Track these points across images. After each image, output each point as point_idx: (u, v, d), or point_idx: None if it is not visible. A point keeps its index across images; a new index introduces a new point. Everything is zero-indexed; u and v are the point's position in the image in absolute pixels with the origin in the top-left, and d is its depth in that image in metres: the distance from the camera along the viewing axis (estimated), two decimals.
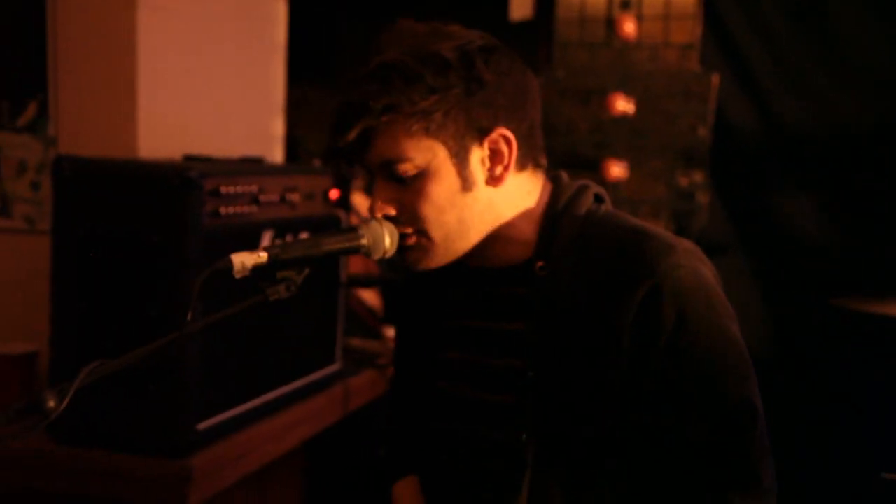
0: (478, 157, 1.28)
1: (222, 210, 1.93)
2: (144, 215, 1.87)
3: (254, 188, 2.05)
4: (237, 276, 1.20)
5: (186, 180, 1.83)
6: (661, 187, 3.03)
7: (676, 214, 3.02)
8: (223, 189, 1.93)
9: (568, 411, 1.28)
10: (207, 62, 2.48)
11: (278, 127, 2.87)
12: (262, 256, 1.21)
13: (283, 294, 1.23)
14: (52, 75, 2.22)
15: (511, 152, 1.28)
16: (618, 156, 3.04)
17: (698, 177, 3.01)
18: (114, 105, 2.19)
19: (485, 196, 1.29)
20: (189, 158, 2.07)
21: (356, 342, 2.82)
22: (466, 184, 1.27)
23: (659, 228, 1.34)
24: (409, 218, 1.29)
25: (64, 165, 1.91)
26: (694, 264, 1.27)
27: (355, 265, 2.87)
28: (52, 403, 1.06)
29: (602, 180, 3.02)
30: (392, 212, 1.29)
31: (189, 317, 1.18)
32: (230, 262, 1.18)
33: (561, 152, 3.11)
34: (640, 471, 1.29)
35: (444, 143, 1.25)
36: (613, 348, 1.24)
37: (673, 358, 1.23)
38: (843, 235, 2.97)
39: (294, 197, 2.21)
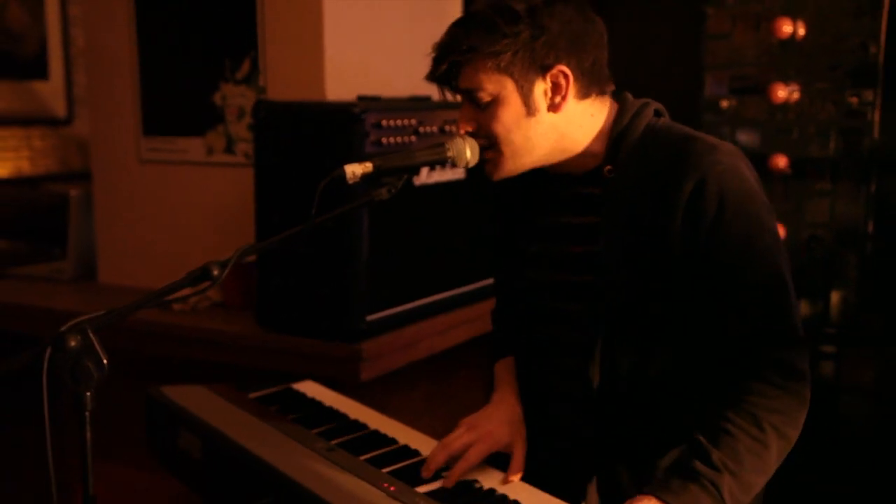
0: (541, 89, 1.59)
1: (384, 140, 2.33)
2: (320, 146, 2.31)
3: (413, 121, 2.43)
4: (350, 182, 1.57)
5: (351, 115, 2.25)
6: (829, 107, 3.06)
7: (845, 133, 3.04)
8: (384, 122, 2.32)
9: (635, 286, 1.58)
10: (385, 15, 2.87)
11: None
12: (368, 166, 1.58)
13: (384, 196, 1.59)
14: (261, 36, 2.71)
15: (568, 85, 1.58)
16: (785, 79, 3.10)
17: (869, 95, 3.01)
18: (306, 57, 2.64)
19: (547, 120, 1.60)
20: (361, 98, 2.48)
21: None
22: (530, 110, 1.59)
23: (704, 134, 1.58)
24: (485, 135, 1.62)
25: (261, 108, 2.39)
26: (734, 161, 1.54)
27: None
28: (216, 272, 1.50)
29: (769, 103, 3.11)
30: (471, 128, 1.63)
31: (314, 212, 1.58)
32: (343, 171, 1.56)
33: (729, 78, 3.22)
34: (695, 335, 1.57)
35: (512, 77, 1.57)
36: (669, 231, 1.53)
37: (715, 239, 1.52)
38: None
39: (453, 129, 2.56)
